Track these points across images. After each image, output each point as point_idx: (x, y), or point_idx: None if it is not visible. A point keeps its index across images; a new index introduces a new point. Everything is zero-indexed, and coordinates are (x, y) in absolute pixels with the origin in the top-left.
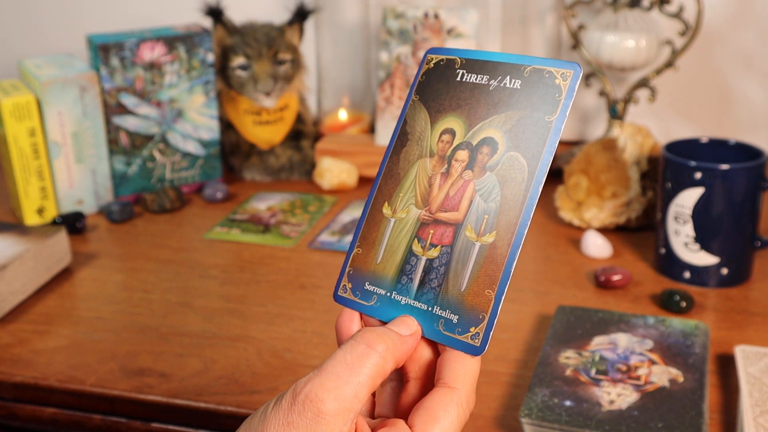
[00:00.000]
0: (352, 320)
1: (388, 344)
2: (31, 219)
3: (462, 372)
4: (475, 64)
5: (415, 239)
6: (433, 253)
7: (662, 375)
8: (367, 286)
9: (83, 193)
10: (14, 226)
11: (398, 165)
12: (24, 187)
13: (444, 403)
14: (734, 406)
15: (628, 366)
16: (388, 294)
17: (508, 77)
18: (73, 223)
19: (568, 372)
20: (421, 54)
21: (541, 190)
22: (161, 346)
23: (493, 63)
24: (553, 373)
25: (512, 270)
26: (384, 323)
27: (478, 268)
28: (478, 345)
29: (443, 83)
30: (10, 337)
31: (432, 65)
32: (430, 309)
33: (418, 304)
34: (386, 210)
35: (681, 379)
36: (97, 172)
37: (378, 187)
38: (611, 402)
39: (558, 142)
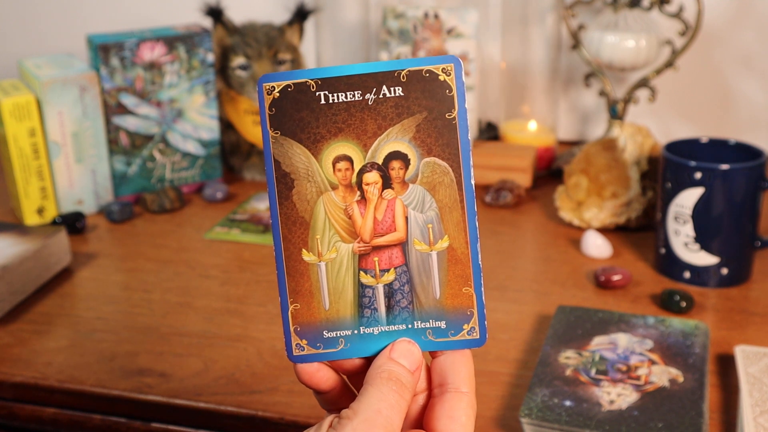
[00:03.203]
0: (318, 369)
1: (412, 391)
2: (31, 219)
3: (467, 374)
4: (337, 82)
5: (360, 272)
6: (389, 277)
7: (662, 375)
8: (327, 334)
9: (83, 193)
10: (14, 226)
11: (296, 209)
12: (24, 187)
13: (462, 408)
14: (734, 406)
15: (628, 366)
16: (356, 331)
17: (384, 87)
18: (73, 223)
19: (568, 372)
20: (421, 54)
21: (474, 183)
22: (161, 346)
23: (358, 76)
24: (553, 373)
25: (480, 263)
26: (363, 359)
27: (444, 274)
28: (478, 337)
29: (306, 110)
30: (10, 337)
31: (278, 94)
32: (410, 326)
33: (394, 327)
34: (308, 257)
35: (681, 379)
36: (97, 172)
37: (282, 237)
38: (611, 402)
39: (470, 134)
